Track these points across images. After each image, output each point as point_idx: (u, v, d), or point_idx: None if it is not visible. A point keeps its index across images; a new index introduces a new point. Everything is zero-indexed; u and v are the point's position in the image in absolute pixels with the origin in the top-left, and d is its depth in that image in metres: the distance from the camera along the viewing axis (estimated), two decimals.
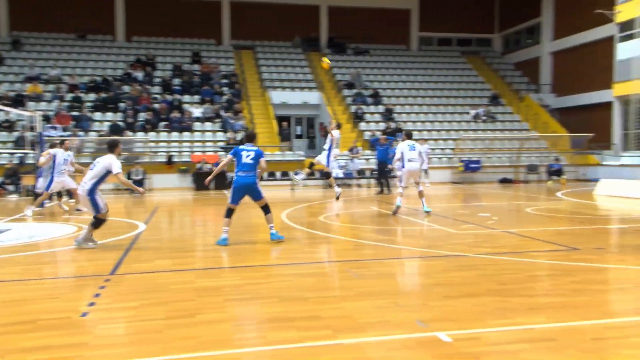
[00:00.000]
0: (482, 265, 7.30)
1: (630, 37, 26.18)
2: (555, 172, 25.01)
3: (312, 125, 30.85)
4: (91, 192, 8.60)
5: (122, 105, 26.38)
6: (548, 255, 8.00)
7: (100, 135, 23.78)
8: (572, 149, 27.90)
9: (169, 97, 27.58)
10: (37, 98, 25.69)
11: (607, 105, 28.19)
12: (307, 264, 7.66)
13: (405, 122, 28.88)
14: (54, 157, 13.50)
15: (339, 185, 15.30)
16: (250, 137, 9.37)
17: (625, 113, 27.36)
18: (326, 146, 14.59)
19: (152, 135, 24.82)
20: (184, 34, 33.89)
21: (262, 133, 26.45)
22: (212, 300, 5.71)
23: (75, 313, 5.30)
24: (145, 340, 4.58)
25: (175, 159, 23.88)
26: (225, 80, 30.04)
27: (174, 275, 6.95)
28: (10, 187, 20.30)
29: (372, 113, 29.26)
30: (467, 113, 30.35)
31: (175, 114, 26.03)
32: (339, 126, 14.74)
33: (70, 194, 14.47)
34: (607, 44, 28.04)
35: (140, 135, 24.52)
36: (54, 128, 23.20)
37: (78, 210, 13.90)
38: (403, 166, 12.69)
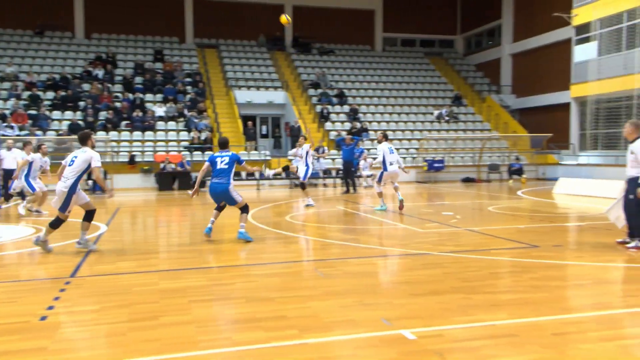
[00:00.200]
0: (446, 263, 7.40)
1: (586, 40, 26.92)
2: (516, 171, 25.55)
3: (277, 124, 30.75)
4: (72, 189, 8.18)
5: (81, 104, 25.81)
6: (509, 252, 8.16)
7: (59, 135, 23.22)
8: (532, 149, 28.55)
9: (130, 96, 27.11)
10: None
11: (565, 106, 28.95)
12: (273, 264, 7.64)
13: (370, 122, 29.08)
14: (30, 162, 13.26)
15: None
16: (223, 144, 9.57)
17: (582, 114, 28.14)
18: (302, 159, 14.86)
19: (113, 134, 24.35)
20: (145, 31, 33.37)
21: (227, 133, 26.24)
22: (177, 301, 5.63)
23: (34, 317, 5.16)
24: (108, 343, 4.49)
25: (138, 159, 23.49)
26: (188, 79, 29.70)
27: (137, 277, 6.83)
28: None
29: (337, 113, 29.36)
30: (431, 113, 30.75)
31: (138, 113, 25.60)
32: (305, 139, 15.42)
33: (24, 196, 14.08)
34: (565, 46, 28.79)
35: (101, 134, 24.03)
36: (11, 127, 22.54)
37: (37, 211, 13.58)
38: (386, 169, 13.16)
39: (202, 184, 22.11)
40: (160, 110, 26.50)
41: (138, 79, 28.89)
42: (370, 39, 37.69)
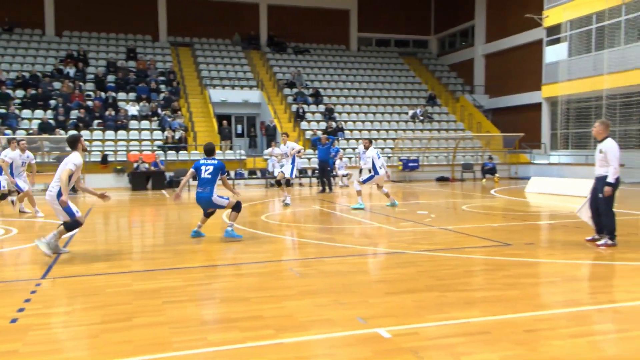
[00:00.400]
0: (421, 261, 7.46)
1: (557, 41, 27.39)
2: (489, 170, 25.88)
3: (253, 124, 30.63)
4: (60, 196, 7.54)
5: (52, 102, 25.37)
6: (483, 251, 8.26)
7: (29, 134, 22.78)
8: (505, 148, 28.95)
9: (102, 95, 26.74)
10: None
11: (536, 106, 29.43)
12: (249, 264, 7.61)
13: (345, 121, 29.16)
14: (11, 162, 13.00)
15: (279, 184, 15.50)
16: (209, 152, 9.32)
17: (553, 114, 28.64)
18: (288, 157, 15.26)
19: (85, 134, 23.96)
20: (118, 29, 32.94)
21: (202, 132, 26.07)
22: (150, 302, 5.57)
23: (4, 319, 5.05)
24: (80, 346, 4.42)
25: (111, 159, 23.18)
26: (162, 78, 29.41)
27: (110, 278, 6.74)
28: None
29: (313, 112, 29.37)
30: (405, 113, 30.96)
31: (110, 112, 25.26)
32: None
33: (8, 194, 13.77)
34: (536, 47, 29.25)
35: (72, 134, 23.62)
36: None
37: (22, 212, 13.37)
38: (377, 173, 13.68)
39: (178, 183, 21.93)
40: (133, 109, 26.19)
41: (110, 78, 28.51)
42: (345, 39, 37.79)
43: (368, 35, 38.47)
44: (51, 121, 23.98)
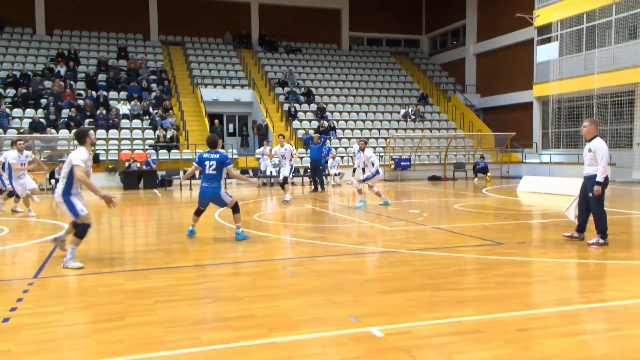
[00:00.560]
0: (413, 260, 7.47)
1: (547, 40, 27.52)
2: (481, 169, 25.96)
3: (245, 123, 30.59)
4: (65, 194, 7.18)
5: (43, 101, 25.20)
6: (475, 249, 8.29)
7: (20, 133, 22.61)
8: (496, 148, 29.06)
9: (94, 94, 26.59)
10: None
11: (527, 106, 29.56)
12: (241, 263, 7.60)
13: (337, 120, 29.16)
14: (3, 163, 12.81)
15: (272, 185, 15.59)
16: (211, 144, 9.03)
17: (544, 113, 28.77)
18: (287, 162, 15.78)
19: None
20: (109, 28, 32.77)
21: (194, 131, 26.01)
22: (142, 302, 5.55)
23: None
24: (72, 345, 4.40)
25: (102, 158, 23.07)
26: (153, 77, 29.29)
27: (102, 278, 6.71)
28: None
29: (304, 111, 29.35)
30: (397, 112, 31.01)
31: (101, 111, 25.13)
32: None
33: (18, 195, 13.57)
34: (527, 46, 29.38)
35: (63, 132, 23.51)
36: None
37: (14, 211, 13.27)
38: (378, 172, 14.05)
39: (170, 182, 21.88)
40: (124, 108, 26.07)
41: (102, 77, 28.37)
42: (336, 38, 37.79)
43: (359, 34, 38.48)
44: (42, 120, 23.83)
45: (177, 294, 5.87)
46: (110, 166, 22.81)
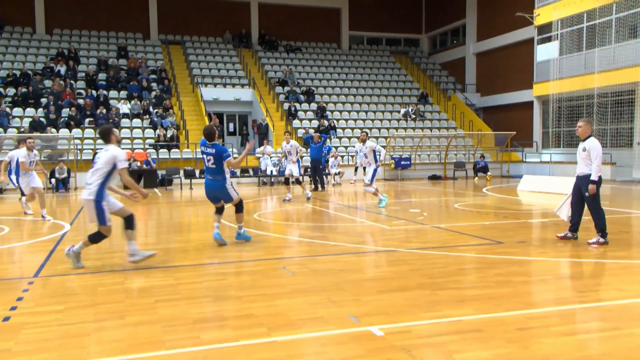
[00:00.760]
0: (413, 259, 7.48)
1: (547, 39, 27.51)
2: (481, 169, 25.96)
3: (245, 122, 30.59)
4: (99, 196, 6.88)
5: (43, 100, 25.20)
6: (474, 249, 8.29)
7: (20, 132, 22.61)
8: (496, 147, 29.05)
9: (94, 93, 26.58)
10: None
11: (527, 105, 29.54)
12: (241, 262, 7.60)
13: (338, 119, 29.16)
14: (9, 162, 12.74)
15: (272, 184, 15.63)
16: (208, 136, 8.47)
17: (544, 112, 28.76)
18: (293, 158, 16.11)
19: (76, 132, 23.86)
20: (108, 27, 32.76)
21: (194, 130, 26.00)
22: (143, 301, 5.56)
23: None
24: (72, 344, 4.40)
25: None
26: (153, 76, 29.28)
27: (102, 277, 6.71)
28: None
29: (305, 111, 29.35)
30: (397, 111, 31.00)
31: (101, 110, 25.13)
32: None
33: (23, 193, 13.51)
34: (527, 46, 29.36)
35: (63, 132, 23.51)
36: None
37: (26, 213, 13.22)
38: (376, 161, 14.05)
39: (170, 182, 21.86)
40: (124, 108, 26.06)
41: (101, 76, 28.36)
42: (336, 37, 37.78)
43: (359, 33, 38.47)
44: (42, 119, 23.82)
45: (177, 293, 5.87)
46: None
